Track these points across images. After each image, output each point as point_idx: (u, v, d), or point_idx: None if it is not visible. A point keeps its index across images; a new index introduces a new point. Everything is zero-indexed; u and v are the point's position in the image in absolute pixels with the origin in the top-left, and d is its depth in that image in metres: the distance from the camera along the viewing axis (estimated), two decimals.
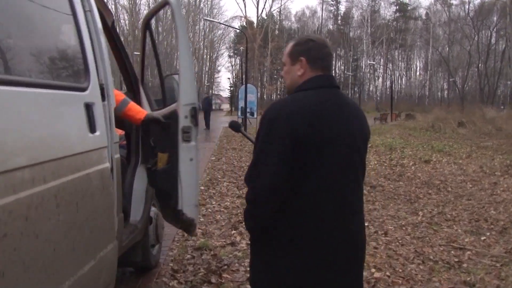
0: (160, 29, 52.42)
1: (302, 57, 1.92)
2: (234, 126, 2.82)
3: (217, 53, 72.36)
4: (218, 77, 79.89)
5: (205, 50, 64.26)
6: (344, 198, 1.87)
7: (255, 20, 66.33)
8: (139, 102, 3.69)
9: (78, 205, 1.95)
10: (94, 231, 2.14)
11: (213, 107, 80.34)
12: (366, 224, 5.65)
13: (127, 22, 53.64)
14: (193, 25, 62.54)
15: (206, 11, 63.73)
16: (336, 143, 1.84)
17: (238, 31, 57.44)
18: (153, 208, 3.97)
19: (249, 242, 2.23)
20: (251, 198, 1.87)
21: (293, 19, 77.05)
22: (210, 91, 72.66)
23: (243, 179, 8.42)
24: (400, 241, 5.02)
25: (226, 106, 74.95)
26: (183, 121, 2.99)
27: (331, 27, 76.71)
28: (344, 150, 1.86)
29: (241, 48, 49.96)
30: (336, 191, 1.84)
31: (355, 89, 71.41)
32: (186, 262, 4.19)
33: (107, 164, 2.34)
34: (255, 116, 21.93)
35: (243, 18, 66.82)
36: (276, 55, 65.79)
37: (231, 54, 75.88)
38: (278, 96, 73.44)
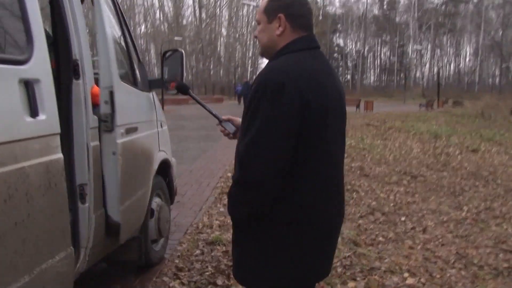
0: None
1: (281, 13, 1.72)
2: (181, 88, 2.54)
3: None
4: (262, 62, 79.49)
5: (249, 36, 63.69)
6: (340, 174, 1.81)
7: None
8: None
9: (4, 206, 1.56)
10: (31, 239, 1.72)
11: None
12: (403, 219, 5.13)
13: None
14: (236, 11, 62.21)
15: None
16: (333, 110, 1.69)
17: None
18: (156, 199, 3.58)
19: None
20: (250, 182, 1.60)
21: (337, 4, 75.51)
22: (254, 77, 72.92)
23: None
24: (440, 240, 4.43)
25: None
26: (104, 107, 2.52)
27: (376, 12, 74.58)
28: (338, 118, 1.75)
29: None
30: (335, 166, 1.76)
31: (401, 75, 69.19)
32: (194, 258, 3.77)
33: (58, 155, 1.91)
34: None
35: None
36: (320, 40, 64.37)
37: None
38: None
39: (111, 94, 2.50)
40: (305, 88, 1.58)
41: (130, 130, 2.76)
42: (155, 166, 3.41)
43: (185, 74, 3.29)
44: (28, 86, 1.72)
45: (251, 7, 53.13)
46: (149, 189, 3.24)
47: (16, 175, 1.59)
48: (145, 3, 61.87)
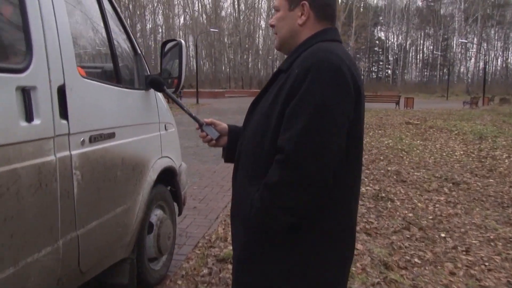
0: None
1: (305, 0, 1.53)
2: (154, 83, 2.38)
3: None
4: None
5: None
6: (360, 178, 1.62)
7: None
8: None
9: None
10: (18, 234, 1.79)
11: None
12: (443, 235, 4.54)
13: None
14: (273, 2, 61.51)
15: None
16: (363, 105, 1.51)
17: None
18: (157, 212, 3.17)
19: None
20: (301, 182, 1.34)
21: None
22: None
23: None
24: (486, 264, 3.83)
25: None
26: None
27: (420, 4, 72.26)
28: (363, 119, 1.53)
29: None
30: (360, 169, 1.59)
31: (444, 70, 66.86)
32: (200, 279, 3.33)
33: (51, 157, 1.96)
34: None
35: None
36: (360, 33, 63.27)
37: None
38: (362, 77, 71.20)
39: (62, 92, 2.05)
40: (355, 73, 1.42)
41: (99, 138, 2.32)
42: (153, 175, 2.99)
43: (184, 69, 2.84)
44: (25, 93, 1.79)
45: None
46: (138, 203, 2.80)
47: (8, 175, 1.70)
48: None
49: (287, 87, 1.41)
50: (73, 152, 2.10)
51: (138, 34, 56.67)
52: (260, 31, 65.25)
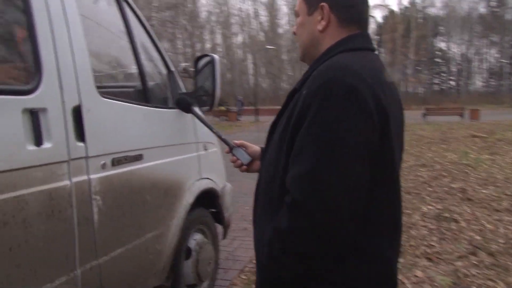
0: None
1: (325, 2, 1.32)
2: (181, 103, 2.22)
3: None
4: None
5: None
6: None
7: (396, 9, 62.78)
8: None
9: None
10: (27, 264, 1.66)
11: None
12: None
13: None
14: None
15: None
16: (398, 128, 1.28)
17: (377, 21, 54.64)
18: (196, 236, 2.99)
19: None
20: (317, 232, 1.12)
21: (438, 5, 71.40)
22: None
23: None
24: None
25: None
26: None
27: (483, 10, 69.22)
28: (396, 139, 1.23)
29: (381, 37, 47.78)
30: (396, 207, 1.29)
31: None
32: None
33: (65, 183, 1.82)
34: None
35: (382, 7, 63.68)
36: (420, 45, 61.48)
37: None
38: (423, 90, 68.91)
39: (77, 113, 1.91)
40: (381, 94, 1.16)
41: (124, 160, 2.17)
42: (189, 198, 2.81)
43: (219, 85, 2.65)
44: (33, 115, 1.68)
45: None
46: (171, 228, 2.63)
47: (13, 203, 1.59)
48: (241, 13, 63.08)
49: (296, 113, 1.19)
50: (92, 176, 1.96)
51: (199, 54, 57.80)
52: None
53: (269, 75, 67.32)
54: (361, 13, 1.34)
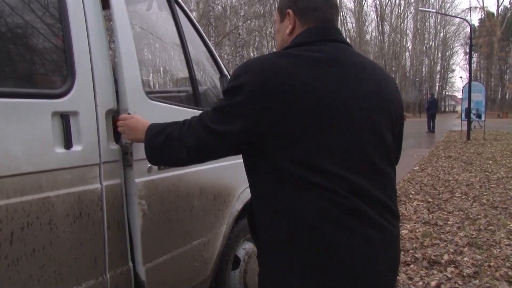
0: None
1: (289, 9, 1.50)
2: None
3: (451, 51, 66.65)
4: (452, 76, 74.08)
5: (437, 49, 59.58)
6: None
7: (494, 11, 58.68)
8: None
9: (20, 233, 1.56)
10: (51, 266, 1.67)
11: (447, 109, 76.67)
12: None
13: None
14: (421, 23, 58.84)
15: (437, 6, 58.87)
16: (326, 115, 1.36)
17: (474, 25, 51.44)
18: (246, 246, 2.91)
19: None
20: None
21: None
22: (444, 92, 68.92)
23: (440, 197, 6.61)
24: None
25: (461, 108, 68.93)
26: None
27: None
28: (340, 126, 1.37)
29: (479, 41, 44.87)
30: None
31: None
32: None
33: (94, 186, 1.83)
34: (483, 118, 18.52)
35: (479, 9, 59.84)
36: None
37: (467, 50, 68.85)
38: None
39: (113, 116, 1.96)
40: (282, 82, 1.33)
41: None
42: (238, 205, 2.75)
43: None
44: (63, 118, 1.71)
45: (439, 17, 49.60)
46: (218, 236, 2.58)
47: (38, 204, 1.60)
48: None
49: None
50: (137, 180, 1.98)
51: None
52: (407, 52, 62.67)
53: None
54: (323, 13, 1.46)
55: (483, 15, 59.68)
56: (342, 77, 1.37)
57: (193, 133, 1.43)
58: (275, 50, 1.76)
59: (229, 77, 2.83)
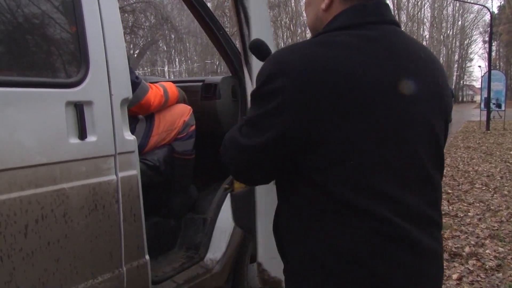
0: None
1: None
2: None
3: (469, 40, 65.53)
4: (470, 66, 72.80)
5: (455, 38, 58.63)
6: None
7: None
8: (243, 89, 2.63)
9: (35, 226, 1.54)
10: (66, 259, 1.65)
11: (464, 99, 75.65)
12: None
13: None
14: (439, 11, 57.87)
15: None
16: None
17: (494, 12, 50.49)
18: None
19: None
20: None
21: None
22: (462, 81, 67.94)
23: (460, 188, 6.46)
24: None
25: (479, 98, 67.89)
26: None
27: None
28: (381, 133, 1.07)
29: (499, 29, 44.11)
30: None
31: None
32: None
33: (110, 177, 1.80)
34: (503, 108, 18.16)
35: None
36: None
37: (486, 39, 67.65)
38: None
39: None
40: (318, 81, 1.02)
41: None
42: None
43: None
44: (77, 108, 1.66)
45: (457, 5, 48.67)
46: (236, 227, 2.58)
47: (52, 196, 1.58)
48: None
49: None
50: None
51: None
52: (424, 42, 61.77)
53: None
54: None
55: (502, 2, 58.57)
56: (401, 73, 1.10)
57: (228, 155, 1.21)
58: (290, 41, 1.61)
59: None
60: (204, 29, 2.67)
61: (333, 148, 1.02)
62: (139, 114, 2.35)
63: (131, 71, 2.18)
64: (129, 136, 1.87)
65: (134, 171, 1.89)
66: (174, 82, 2.77)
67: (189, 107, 2.60)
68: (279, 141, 1.05)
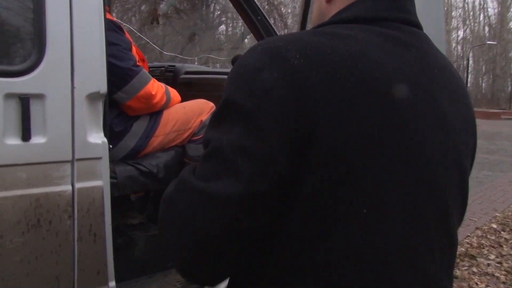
0: None
1: None
2: None
3: None
4: None
5: None
6: None
7: None
8: None
9: None
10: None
11: None
12: None
13: None
14: None
15: None
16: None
17: None
18: None
19: None
20: None
21: None
22: None
23: None
24: None
25: None
26: None
27: None
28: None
29: None
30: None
31: None
32: None
33: (61, 188, 1.50)
34: None
35: None
36: None
37: None
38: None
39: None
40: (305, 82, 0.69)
41: None
42: None
43: None
44: (22, 102, 1.39)
45: None
46: None
47: None
48: (466, 6, 57.48)
49: None
50: None
51: None
52: None
53: (489, 75, 60.32)
54: None
55: None
56: (436, 94, 0.80)
57: None
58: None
59: None
60: (239, 12, 2.31)
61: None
62: (142, 112, 2.01)
63: (127, 57, 1.86)
64: (96, 139, 1.55)
65: (99, 182, 1.56)
66: (202, 73, 2.43)
67: (211, 104, 2.24)
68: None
